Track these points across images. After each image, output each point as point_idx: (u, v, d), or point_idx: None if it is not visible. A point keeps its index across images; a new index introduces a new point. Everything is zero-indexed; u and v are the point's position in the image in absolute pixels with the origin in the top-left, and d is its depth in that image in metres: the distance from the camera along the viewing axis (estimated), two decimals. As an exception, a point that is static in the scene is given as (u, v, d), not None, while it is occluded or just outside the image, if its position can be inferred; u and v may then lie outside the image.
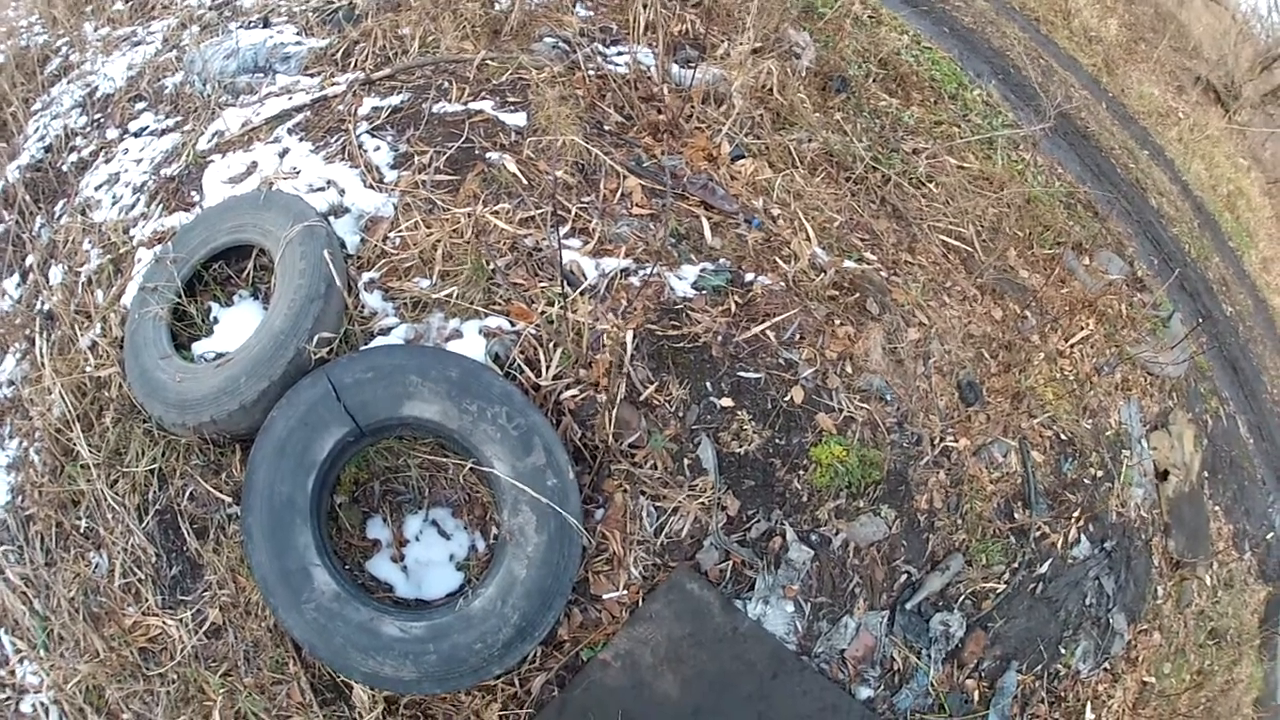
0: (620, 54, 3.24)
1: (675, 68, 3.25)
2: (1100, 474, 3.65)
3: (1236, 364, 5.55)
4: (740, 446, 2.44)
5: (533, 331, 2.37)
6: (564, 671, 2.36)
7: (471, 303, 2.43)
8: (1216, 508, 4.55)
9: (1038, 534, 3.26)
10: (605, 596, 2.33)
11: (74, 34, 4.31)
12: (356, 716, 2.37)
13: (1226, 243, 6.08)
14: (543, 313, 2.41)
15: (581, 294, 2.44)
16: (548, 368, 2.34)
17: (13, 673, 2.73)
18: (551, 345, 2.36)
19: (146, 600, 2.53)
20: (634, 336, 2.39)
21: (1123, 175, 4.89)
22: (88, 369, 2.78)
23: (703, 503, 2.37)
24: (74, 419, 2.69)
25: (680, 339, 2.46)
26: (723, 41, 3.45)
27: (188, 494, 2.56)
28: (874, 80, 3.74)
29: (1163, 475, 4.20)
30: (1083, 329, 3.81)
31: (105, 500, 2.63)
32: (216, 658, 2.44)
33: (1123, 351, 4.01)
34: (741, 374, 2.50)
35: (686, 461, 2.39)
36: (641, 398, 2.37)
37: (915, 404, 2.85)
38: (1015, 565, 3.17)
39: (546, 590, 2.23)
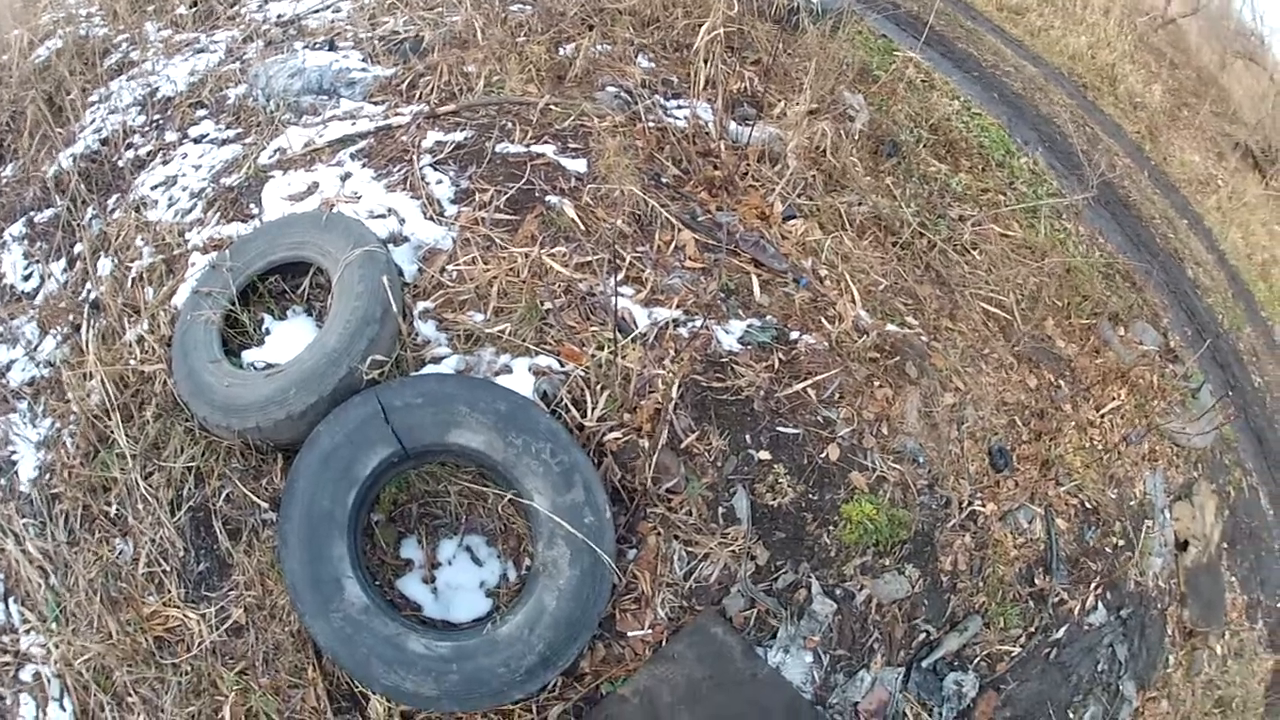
0: (680, 107, 3.37)
1: (733, 125, 3.38)
2: (1121, 543, 3.67)
3: (1262, 435, 5.51)
4: (774, 499, 2.52)
5: (581, 373, 2.49)
6: (582, 703, 2.42)
7: (523, 340, 2.54)
8: (1233, 578, 4.52)
9: (1056, 600, 3.29)
10: (630, 634, 2.41)
11: (135, 31, 4.40)
12: None
13: (1259, 313, 6.06)
14: (592, 356, 2.52)
15: (631, 340, 2.55)
16: (593, 409, 2.45)
17: (17, 641, 2.78)
18: (599, 388, 2.47)
19: (169, 592, 2.61)
20: (679, 385, 2.49)
21: (1161, 245, 4.92)
22: (132, 362, 2.87)
23: (733, 551, 2.45)
24: (113, 408, 2.77)
25: (724, 391, 2.56)
26: (779, 101, 3.56)
27: (224, 495, 2.65)
28: (924, 145, 3.83)
29: (1182, 546, 4.20)
30: (1114, 399, 3.85)
31: (138, 490, 2.70)
32: (234, 655, 2.51)
33: (1152, 423, 4.03)
34: (781, 429, 2.59)
35: (721, 510, 2.47)
36: (682, 445, 2.46)
37: (946, 467, 2.92)
38: (1032, 629, 3.20)
39: (574, 622, 2.31)
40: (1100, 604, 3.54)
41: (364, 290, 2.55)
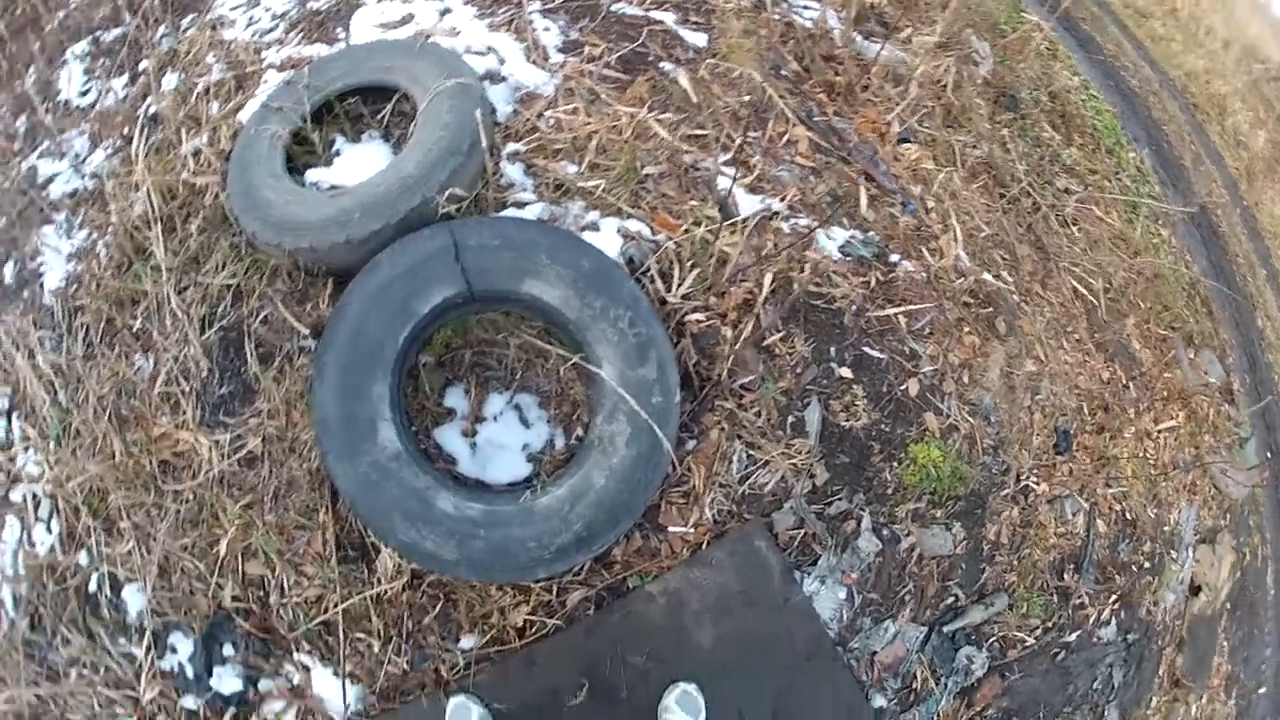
0: (807, 8, 3.13)
1: (858, 38, 3.14)
2: (1147, 565, 3.55)
3: (1284, 511, 5.41)
4: (847, 420, 2.36)
5: (673, 245, 2.29)
6: (606, 593, 2.28)
7: (617, 200, 2.34)
8: (1225, 643, 4.45)
9: (1078, 602, 3.17)
10: (671, 529, 2.25)
11: None
12: (374, 581, 2.29)
13: (1315, 389, 5.90)
14: (686, 231, 2.32)
15: (731, 223, 2.35)
16: (679, 285, 2.26)
17: (13, 460, 2.67)
18: (689, 264, 2.28)
19: (184, 414, 2.45)
20: (772, 280, 2.30)
21: (1239, 285, 4.74)
22: (184, 174, 2.69)
23: (794, 464, 2.29)
24: (155, 219, 2.60)
25: (817, 296, 2.37)
26: (908, 27, 3.32)
27: (261, 316, 2.47)
28: (1041, 110, 3.61)
29: (1195, 590, 4.10)
30: (1172, 419, 3.70)
31: (169, 305, 2.54)
32: (243, 487, 2.37)
33: (1200, 456, 3.90)
34: (866, 349, 2.41)
35: (790, 419, 2.31)
36: (765, 343, 2.28)
37: (1014, 434, 2.76)
38: (1049, 624, 3.08)
39: (619, 506, 2.14)
40: (1114, 620, 3.44)
41: (452, 121, 2.35)
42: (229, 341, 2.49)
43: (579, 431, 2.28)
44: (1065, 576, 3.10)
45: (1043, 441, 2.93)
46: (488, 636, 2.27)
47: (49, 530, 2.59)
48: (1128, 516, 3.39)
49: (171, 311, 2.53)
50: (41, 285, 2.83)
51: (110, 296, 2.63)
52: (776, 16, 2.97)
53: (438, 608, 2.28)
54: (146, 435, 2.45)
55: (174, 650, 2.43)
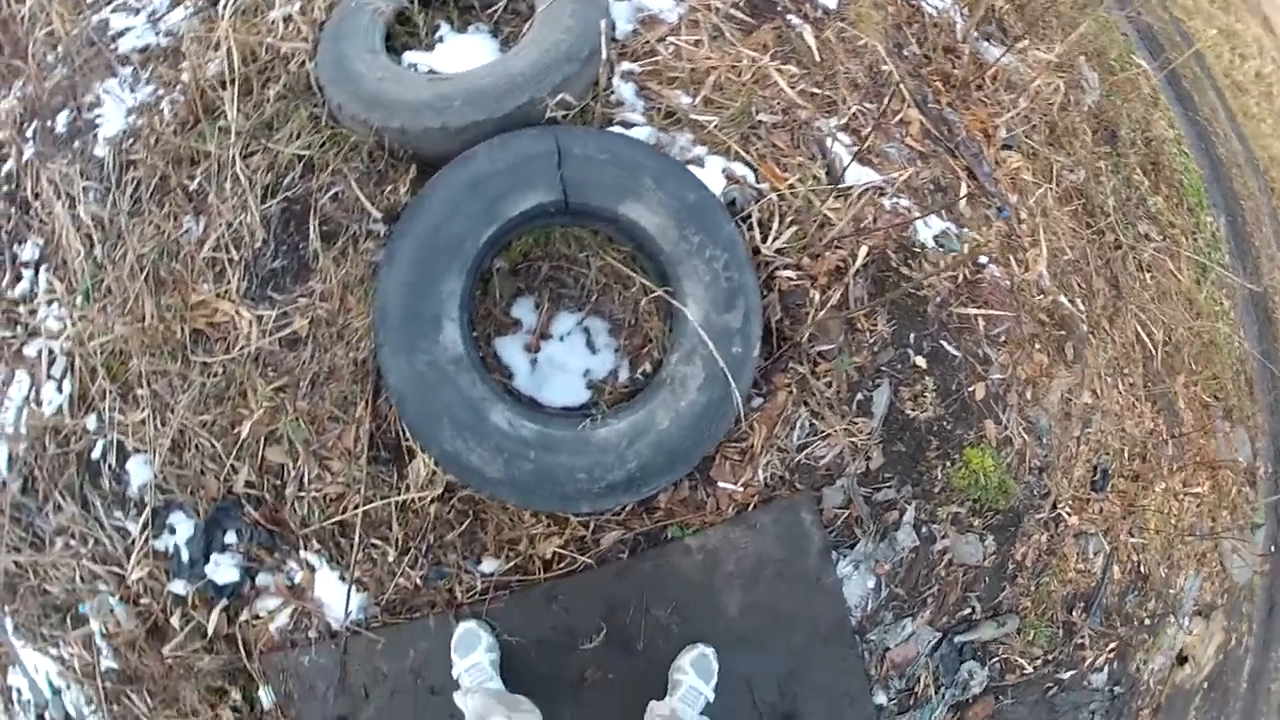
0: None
1: (978, 37, 3.08)
2: (1148, 623, 3.55)
3: (1275, 606, 5.43)
4: (912, 410, 2.31)
5: (776, 197, 2.23)
6: (642, 538, 2.21)
7: (727, 140, 2.27)
8: None
9: (1079, 641, 3.16)
10: (721, 484, 2.20)
11: None
12: (403, 487, 2.20)
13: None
14: (791, 186, 2.26)
15: (835, 188, 2.29)
16: (775, 238, 2.20)
17: (34, 312, 2.56)
18: (788, 220, 2.22)
19: (228, 283, 2.34)
20: (867, 254, 2.25)
21: (1281, 378, 4.72)
22: (269, 39, 2.57)
23: (854, 443, 2.24)
24: (232, 80, 2.48)
25: (906, 280, 2.32)
26: (1025, 40, 3.26)
27: (332, 193, 2.35)
28: (1135, 152, 3.56)
29: (1181, 660, 4.11)
30: (1199, 486, 3.68)
31: (232, 168, 2.41)
32: (279, 369, 2.26)
33: (1216, 530, 3.90)
34: (944, 344, 2.37)
35: (859, 396, 2.26)
36: (849, 315, 2.23)
37: (1060, 461, 2.73)
38: (1049, 657, 3.07)
39: (677, 452, 2.06)
40: (1107, 669, 3.43)
41: (574, 26, 2.26)
42: (291, 214, 2.38)
43: (645, 366, 2.23)
44: (1074, 613, 3.09)
45: (1083, 475, 2.90)
46: (511, 564, 2.20)
47: (59, 390, 2.49)
48: (1141, 570, 3.38)
49: (234, 175, 2.40)
50: (95, 136, 2.69)
51: (169, 154, 2.51)
52: (905, -2, 2.90)
53: (464, 525, 2.20)
54: (183, 301, 2.34)
55: (172, 531, 2.35)
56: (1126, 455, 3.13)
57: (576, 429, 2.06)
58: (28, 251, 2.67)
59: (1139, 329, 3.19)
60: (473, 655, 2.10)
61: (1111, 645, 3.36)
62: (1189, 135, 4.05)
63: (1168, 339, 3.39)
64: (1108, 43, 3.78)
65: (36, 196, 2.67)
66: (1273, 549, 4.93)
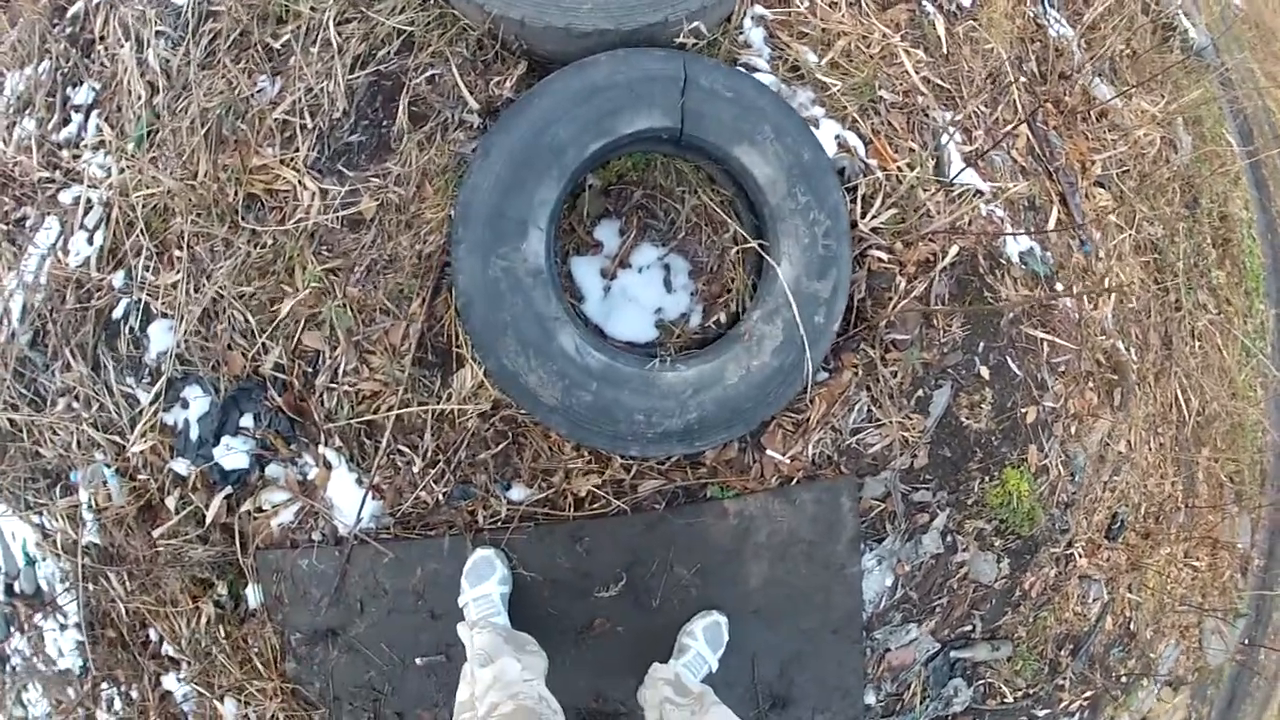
0: (1060, 24, 3.03)
1: (1091, 72, 3.06)
2: (1124, 680, 3.59)
3: (1236, 698, 5.51)
4: (967, 418, 2.31)
5: (882, 176, 2.21)
6: (681, 491, 2.16)
7: (846, 107, 2.24)
8: None
9: (1060, 682, 3.19)
10: (770, 452, 2.17)
11: None
12: (444, 395, 2.10)
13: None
14: (899, 169, 2.24)
15: (941, 181, 2.27)
16: (874, 217, 2.18)
17: (77, 157, 2.41)
18: (890, 202, 2.20)
19: (297, 151, 2.19)
20: (958, 253, 2.23)
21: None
22: None
23: (906, 438, 2.24)
24: None
25: (988, 289, 2.31)
26: (1133, 87, 3.24)
27: (429, 75, 2.20)
28: (1210, 223, 3.57)
29: (1144, 726, 4.18)
30: (1199, 560, 3.72)
31: (324, 31, 2.24)
32: (335, 249, 2.13)
33: (1205, 607, 3.94)
34: (1009, 360, 2.36)
35: (919, 393, 2.25)
36: (929, 310, 2.22)
37: (1086, 501, 2.74)
38: (1030, 691, 3.10)
39: (738, 411, 2.01)
40: (1079, 715, 3.47)
41: None
42: (379, 90, 2.24)
43: (719, 316, 2.20)
44: (1062, 653, 3.11)
45: (1102, 520, 2.92)
46: (542, 495, 2.12)
47: (90, 242, 2.35)
48: (1131, 627, 3.41)
49: (325, 39, 2.24)
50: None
51: (255, 9, 2.34)
52: (1033, 14, 2.87)
53: (500, 446, 2.11)
54: (242, 162, 2.20)
55: (185, 405, 2.22)
56: (1143, 512, 3.15)
57: (644, 368, 1.99)
58: (81, 95, 2.53)
59: (1179, 393, 3.21)
60: (484, 585, 2.03)
61: (1088, 693, 3.39)
62: (1260, 222, 4.07)
63: (1202, 410, 3.41)
64: (1205, 114, 3.77)
65: (102, 40, 2.52)
66: (1247, 642, 5.00)
